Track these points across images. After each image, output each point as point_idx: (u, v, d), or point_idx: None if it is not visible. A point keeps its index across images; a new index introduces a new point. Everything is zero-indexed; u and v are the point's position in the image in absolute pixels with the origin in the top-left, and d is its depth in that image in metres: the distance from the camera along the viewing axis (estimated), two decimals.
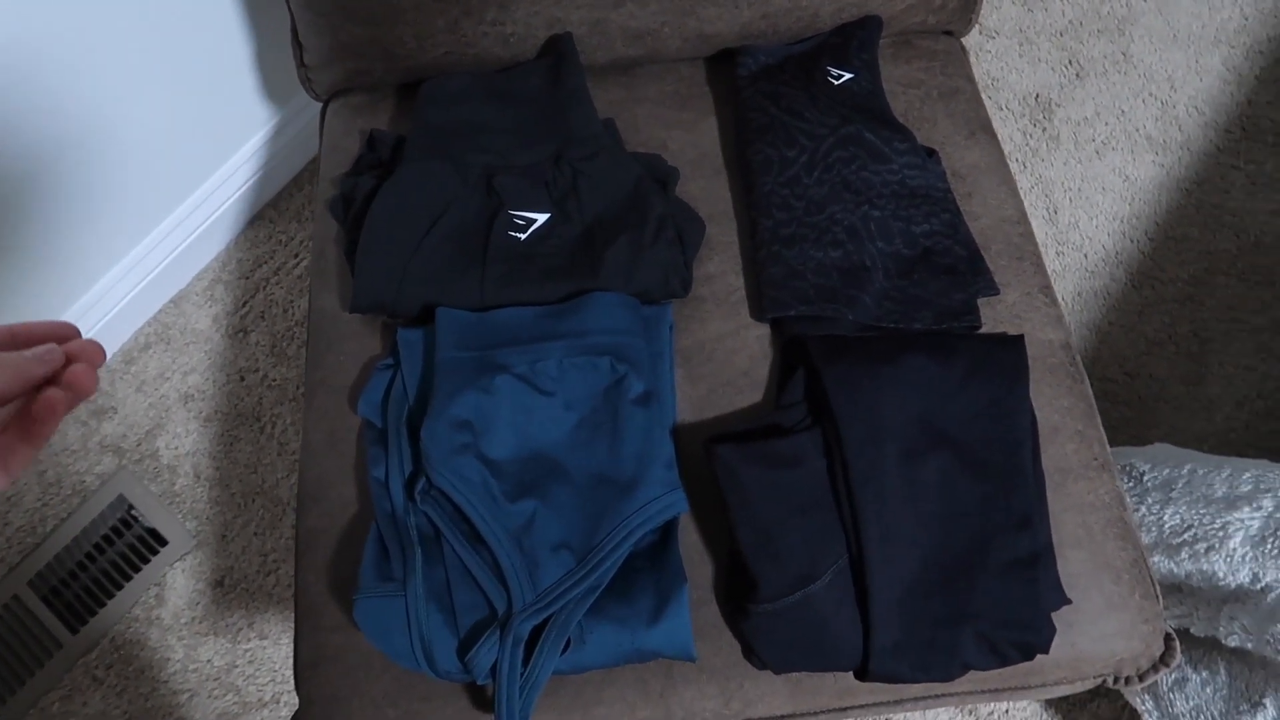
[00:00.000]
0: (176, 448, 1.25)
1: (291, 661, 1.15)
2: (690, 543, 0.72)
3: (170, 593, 1.19)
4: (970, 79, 0.94)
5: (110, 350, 1.30)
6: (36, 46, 0.95)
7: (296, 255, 1.35)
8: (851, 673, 0.69)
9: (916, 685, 0.70)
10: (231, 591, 1.18)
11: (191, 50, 1.12)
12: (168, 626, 1.17)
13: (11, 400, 0.41)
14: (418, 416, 0.72)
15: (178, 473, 1.24)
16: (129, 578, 1.19)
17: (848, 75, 0.88)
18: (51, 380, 0.42)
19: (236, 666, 1.15)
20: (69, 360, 0.42)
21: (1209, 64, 1.46)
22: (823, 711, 0.71)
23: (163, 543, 1.21)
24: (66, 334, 0.44)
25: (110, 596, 1.18)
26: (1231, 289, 1.31)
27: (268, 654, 1.16)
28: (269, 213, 1.38)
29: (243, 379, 1.29)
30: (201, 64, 1.15)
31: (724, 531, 0.72)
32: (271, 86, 1.26)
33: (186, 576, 1.19)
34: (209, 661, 1.15)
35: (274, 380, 1.28)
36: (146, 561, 1.20)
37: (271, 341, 1.30)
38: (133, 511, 1.22)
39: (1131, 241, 1.35)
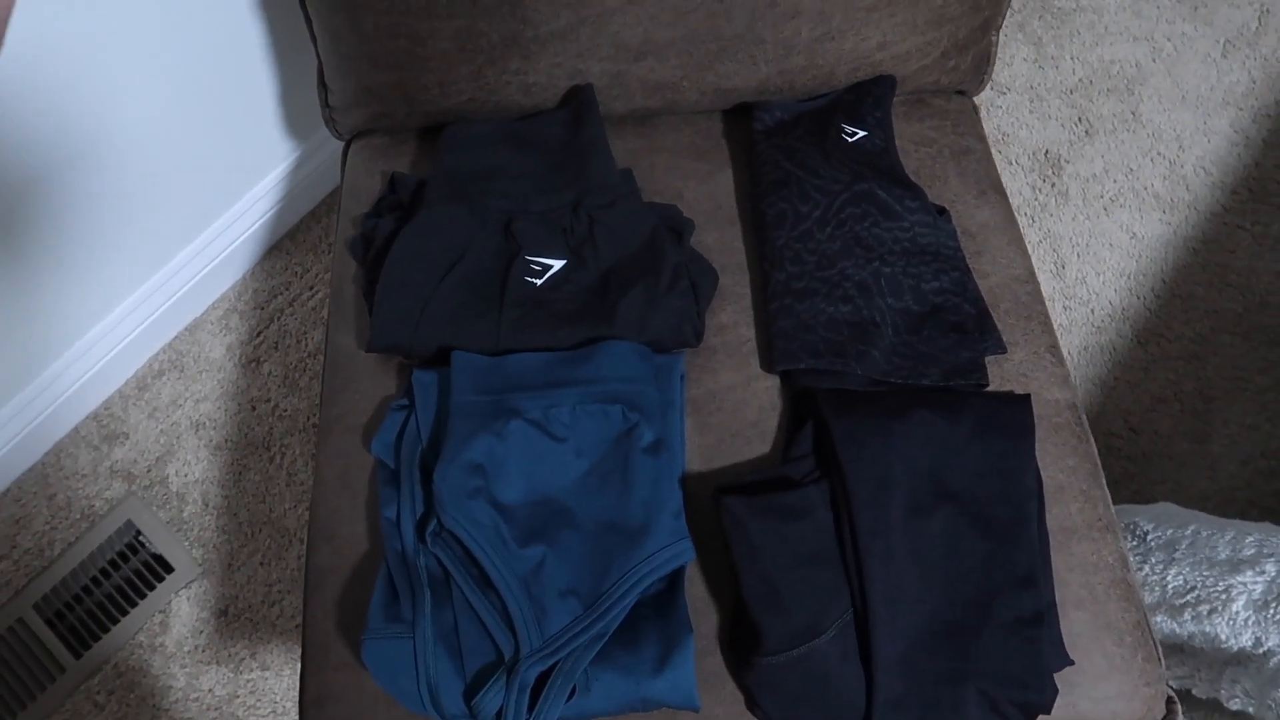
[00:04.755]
0: (186, 475, 1.26)
1: (292, 693, 1.15)
2: (696, 592, 0.73)
3: (174, 620, 1.19)
4: (981, 138, 0.96)
5: (124, 377, 1.31)
6: (62, 73, 0.97)
7: (312, 287, 1.37)
8: None
9: None
10: (235, 621, 1.19)
11: (217, 84, 1.14)
12: (171, 654, 1.17)
13: None
14: (430, 458, 0.73)
15: (186, 500, 1.25)
16: (134, 604, 1.20)
17: (861, 133, 0.90)
18: None
19: (238, 697, 1.15)
20: None
21: (1217, 125, 1.48)
22: None
23: (169, 569, 1.21)
24: None
25: (115, 622, 1.19)
26: (1236, 348, 1.32)
27: (269, 685, 1.16)
28: (286, 244, 1.40)
29: (254, 408, 1.30)
30: (227, 97, 1.17)
31: (729, 581, 0.73)
32: (294, 121, 1.28)
33: (191, 604, 1.20)
34: (210, 691, 1.16)
35: (285, 411, 1.29)
36: (152, 588, 1.20)
37: (284, 372, 1.32)
38: (140, 537, 1.23)
39: (1138, 298, 1.36)
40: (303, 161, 1.34)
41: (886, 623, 0.67)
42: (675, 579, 0.70)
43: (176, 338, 1.34)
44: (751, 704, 0.69)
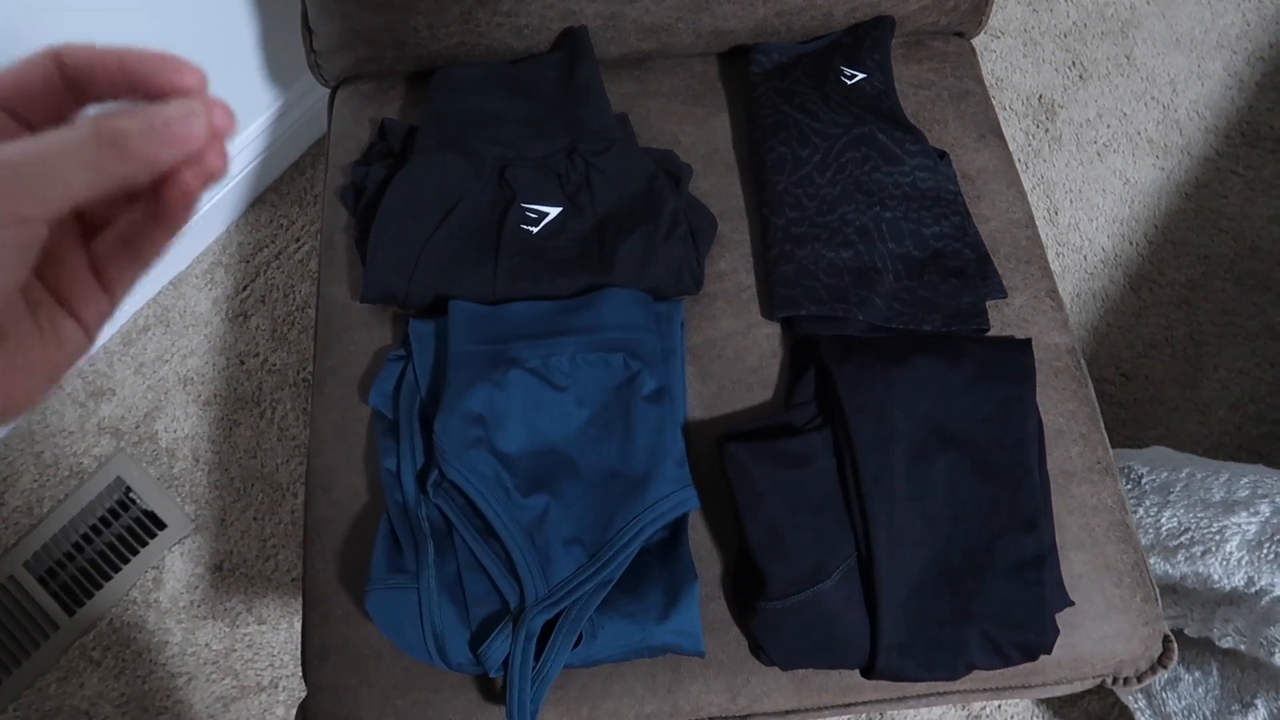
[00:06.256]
0: (175, 431, 1.25)
1: (289, 646, 1.15)
2: (699, 539, 0.73)
3: (168, 576, 1.19)
4: (980, 81, 0.95)
5: (108, 332, 1.29)
6: (37, 14, 0.94)
7: (298, 240, 1.35)
8: (857, 670, 0.70)
9: (921, 684, 0.71)
10: (230, 576, 1.18)
11: (198, 31, 1.11)
12: (165, 610, 1.17)
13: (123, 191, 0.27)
14: (429, 409, 0.72)
15: (176, 456, 1.24)
16: (126, 560, 1.19)
17: (860, 75, 0.88)
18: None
19: (235, 650, 1.15)
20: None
21: (1211, 69, 1.47)
22: (827, 708, 0.72)
23: (161, 526, 1.20)
24: (185, 81, 0.29)
25: (107, 579, 1.18)
26: (1228, 293, 1.32)
27: (266, 639, 1.16)
28: (270, 196, 1.37)
29: (242, 363, 1.28)
30: (207, 45, 1.14)
31: (733, 528, 0.73)
32: (276, 70, 1.25)
33: (185, 560, 1.19)
34: (207, 645, 1.16)
35: (274, 365, 1.28)
36: (144, 544, 1.20)
37: (272, 326, 1.30)
38: (130, 494, 1.22)
39: (1130, 244, 1.36)
40: (285, 111, 1.31)
41: (890, 567, 0.67)
42: (679, 526, 0.70)
43: (161, 292, 1.32)
44: (756, 649, 0.70)
